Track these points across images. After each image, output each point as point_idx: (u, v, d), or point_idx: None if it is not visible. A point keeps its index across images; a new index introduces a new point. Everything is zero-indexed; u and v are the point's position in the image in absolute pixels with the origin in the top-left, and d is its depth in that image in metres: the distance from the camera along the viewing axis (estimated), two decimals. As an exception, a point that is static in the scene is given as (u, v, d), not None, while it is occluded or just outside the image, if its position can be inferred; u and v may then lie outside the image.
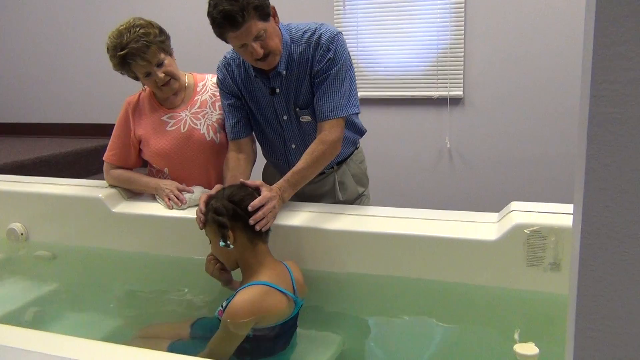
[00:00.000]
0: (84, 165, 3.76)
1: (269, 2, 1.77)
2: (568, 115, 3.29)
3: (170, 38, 2.09)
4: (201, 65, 2.46)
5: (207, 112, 2.17)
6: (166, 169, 2.16)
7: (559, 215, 1.63)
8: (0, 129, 4.69)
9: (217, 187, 1.69)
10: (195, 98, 2.19)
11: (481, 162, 3.58)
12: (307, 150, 1.85)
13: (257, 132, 2.09)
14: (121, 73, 2.06)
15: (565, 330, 0.57)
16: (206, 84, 2.22)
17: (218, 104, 2.19)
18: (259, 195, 1.62)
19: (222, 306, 1.50)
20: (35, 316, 1.81)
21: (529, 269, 1.63)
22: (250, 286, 1.46)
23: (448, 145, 3.60)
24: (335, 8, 3.68)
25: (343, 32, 3.73)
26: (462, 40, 3.46)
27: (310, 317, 1.63)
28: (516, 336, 1.31)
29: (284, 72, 1.88)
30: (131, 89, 2.26)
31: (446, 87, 3.53)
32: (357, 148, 2.17)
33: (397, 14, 3.53)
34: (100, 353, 1.14)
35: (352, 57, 1.98)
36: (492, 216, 1.79)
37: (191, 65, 2.40)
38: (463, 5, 3.42)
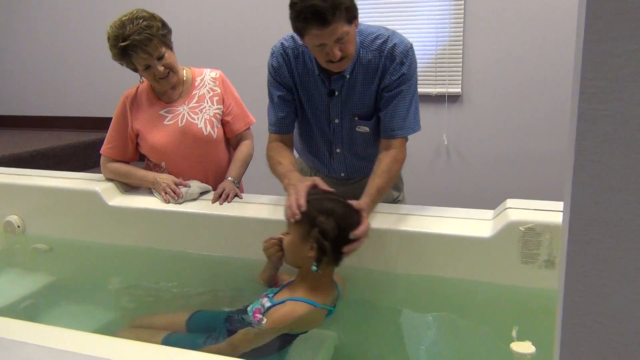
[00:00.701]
0: (81, 159, 3.76)
1: (356, 4, 1.66)
2: (565, 113, 3.29)
3: (171, 32, 2.09)
4: (198, 60, 2.46)
5: (204, 107, 2.17)
6: (163, 163, 2.17)
7: (554, 212, 1.64)
8: (-2, 121, 4.69)
9: (317, 181, 1.62)
10: (193, 92, 2.19)
11: (478, 160, 3.58)
12: (382, 167, 1.76)
13: (302, 127, 2.00)
14: (120, 63, 2.06)
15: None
16: (204, 79, 2.22)
17: (216, 98, 2.20)
18: (357, 214, 1.54)
19: (261, 306, 1.48)
20: (31, 308, 1.82)
21: (524, 266, 1.64)
22: (303, 302, 1.44)
23: (446, 143, 3.61)
24: (334, 4, 3.67)
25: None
26: (461, 38, 3.46)
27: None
28: (514, 334, 1.31)
29: (348, 76, 1.78)
30: (130, 82, 2.26)
31: (444, 84, 3.53)
32: None
33: (396, 10, 3.53)
34: (95, 345, 1.15)
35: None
36: (488, 213, 1.80)
37: (188, 59, 2.40)
38: (462, 2, 3.42)
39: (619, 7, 0.47)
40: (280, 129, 1.90)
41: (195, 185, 2.09)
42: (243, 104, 2.28)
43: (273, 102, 1.90)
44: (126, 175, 2.17)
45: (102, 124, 2.29)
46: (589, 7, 0.47)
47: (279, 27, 3.80)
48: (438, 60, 3.52)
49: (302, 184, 1.58)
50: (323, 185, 1.61)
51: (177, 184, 2.06)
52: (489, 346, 1.53)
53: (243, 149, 2.25)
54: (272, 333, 1.43)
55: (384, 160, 1.77)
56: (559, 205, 1.69)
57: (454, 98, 3.54)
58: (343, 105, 1.84)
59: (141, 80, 2.18)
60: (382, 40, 1.76)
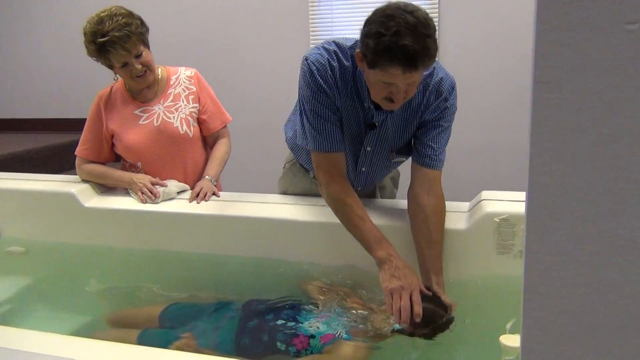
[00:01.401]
0: (57, 161, 3.72)
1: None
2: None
3: (149, 30, 2.07)
4: (172, 59, 2.44)
5: (180, 106, 2.16)
6: (139, 163, 2.15)
7: (527, 203, 1.66)
8: (-28, 125, 4.62)
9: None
10: (169, 91, 2.18)
11: (454, 153, 3.60)
12: (437, 225, 1.64)
13: None
14: (95, 60, 2.03)
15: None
16: (179, 77, 2.21)
17: (192, 97, 2.19)
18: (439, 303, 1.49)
19: (335, 332, 1.46)
20: (7, 312, 1.80)
21: (499, 257, 1.66)
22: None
23: (424, 137, 3.63)
24: None
25: (317, 23, 3.76)
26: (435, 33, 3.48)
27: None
28: (508, 326, 1.31)
29: (394, 110, 1.63)
30: (104, 83, 2.24)
31: (421, 79, 3.55)
32: None
33: (372, 4, 3.53)
34: (73, 348, 1.14)
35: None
36: (464, 206, 1.82)
37: (163, 58, 2.38)
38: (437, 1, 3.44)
39: (569, -3, 0.48)
40: (339, 144, 1.66)
41: (173, 185, 2.08)
42: (219, 102, 2.28)
43: (326, 120, 1.62)
44: (102, 176, 2.15)
45: (77, 125, 2.27)
46: (540, -3, 0.48)
47: (255, 25, 3.80)
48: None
49: (416, 282, 1.47)
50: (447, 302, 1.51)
51: (153, 184, 2.05)
52: (471, 338, 1.54)
53: (220, 148, 2.24)
54: None
55: (434, 222, 1.64)
56: (532, 195, 1.71)
57: (431, 92, 3.56)
58: (381, 139, 1.72)
59: (115, 79, 2.15)
60: (428, 72, 1.62)
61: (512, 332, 1.29)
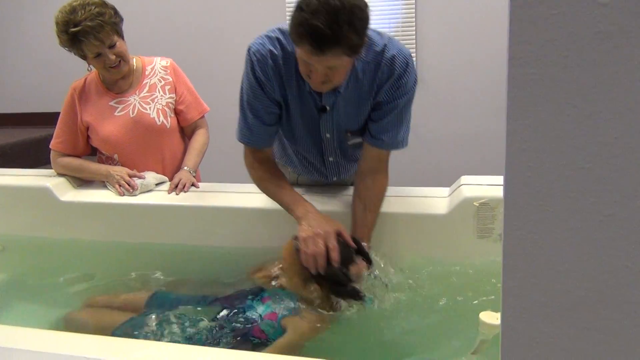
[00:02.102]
0: (33, 156, 3.66)
1: (366, 39, 1.42)
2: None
3: (123, 20, 2.03)
4: (147, 49, 2.40)
5: (156, 97, 2.13)
6: (116, 156, 2.12)
7: (506, 186, 1.67)
8: (-56, 121, 4.52)
9: (340, 227, 1.53)
10: (144, 82, 2.14)
11: (434, 139, 3.62)
12: (374, 201, 1.66)
13: (288, 137, 1.79)
14: (68, 50, 1.99)
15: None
16: (155, 67, 2.18)
17: (168, 87, 2.16)
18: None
19: (280, 311, 1.48)
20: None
21: (479, 241, 1.67)
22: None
23: (403, 124, 3.63)
24: (286, -11, 3.65)
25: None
26: (414, 20, 3.48)
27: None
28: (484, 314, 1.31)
29: (342, 91, 1.59)
30: (79, 75, 2.20)
31: (399, 66, 3.54)
32: None
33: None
34: (51, 342, 1.12)
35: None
36: (444, 191, 1.82)
37: (136, 48, 2.34)
38: (414, -17, 3.44)
39: (543, -29, 0.48)
40: (265, 141, 1.68)
41: (151, 177, 2.06)
42: (196, 93, 2.25)
43: (257, 116, 1.62)
44: (78, 170, 2.12)
45: (52, 119, 2.22)
46: (514, -29, 0.48)
47: (233, 13, 3.76)
48: (392, 43, 3.52)
49: (332, 230, 1.48)
50: (345, 233, 1.53)
51: (131, 176, 2.02)
52: (450, 322, 1.55)
53: (198, 138, 2.22)
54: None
55: (374, 190, 1.66)
56: (511, 179, 1.72)
57: (409, 80, 3.56)
58: (334, 121, 1.67)
59: (88, 69, 2.11)
60: (379, 49, 1.55)
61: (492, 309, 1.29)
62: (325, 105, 1.62)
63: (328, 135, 1.71)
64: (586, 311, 0.53)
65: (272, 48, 1.55)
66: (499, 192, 1.66)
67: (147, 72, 2.16)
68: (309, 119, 1.67)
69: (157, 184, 2.06)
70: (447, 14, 3.45)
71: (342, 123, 1.67)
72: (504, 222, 0.53)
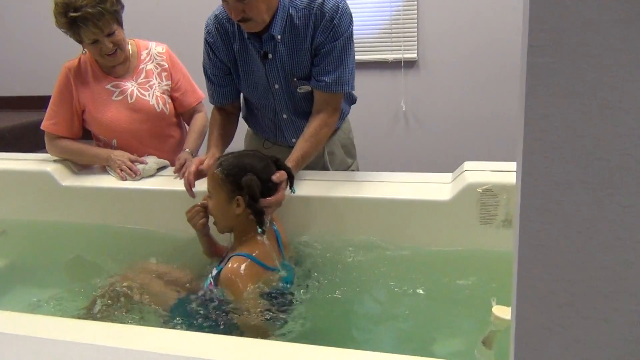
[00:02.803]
0: (32, 140, 3.63)
1: None
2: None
3: (124, 8, 2.00)
4: (143, 34, 2.36)
5: (153, 83, 2.12)
6: (114, 141, 2.10)
7: (510, 173, 1.66)
8: (-59, 104, 4.49)
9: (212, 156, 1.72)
10: (140, 67, 2.12)
11: (437, 124, 3.61)
12: (311, 131, 1.76)
13: (246, 100, 1.99)
14: (64, 32, 1.96)
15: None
16: (150, 52, 2.16)
17: (164, 74, 2.15)
18: (276, 166, 1.57)
19: (211, 277, 1.51)
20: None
21: (482, 227, 1.66)
22: (242, 256, 1.47)
23: (404, 109, 3.61)
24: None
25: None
26: (415, 2, 3.44)
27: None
28: (493, 300, 1.31)
29: (279, 37, 1.72)
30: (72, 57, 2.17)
31: (400, 50, 3.52)
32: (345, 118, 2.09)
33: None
34: (53, 328, 1.12)
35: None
36: (447, 177, 1.81)
37: (131, 31, 2.30)
38: (416, -34, 3.40)
39: (564, -44, 0.47)
40: (220, 99, 1.93)
41: (152, 162, 2.04)
42: (192, 79, 2.23)
43: (210, 81, 1.91)
44: (77, 153, 2.09)
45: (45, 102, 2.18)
46: (534, -43, 0.47)
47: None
48: (393, 26, 3.50)
49: (196, 160, 1.74)
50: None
51: (132, 161, 2.00)
52: (455, 307, 1.55)
53: (197, 121, 2.20)
54: (243, 297, 1.41)
55: (313, 124, 1.78)
56: (514, 165, 1.71)
57: (410, 64, 3.54)
58: (280, 69, 1.79)
59: (83, 52, 2.08)
60: None
61: (498, 304, 1.29)
62: (266, 51, 1.75)
63: (277, 86, 1.82)
64: (602, 302, 0.52)
65: (216, 13, 1.80)
66: (502, 178, 1.65)
67: (142, 57, 2.14)
68: (257, 71, 1.81)
69: (158, 169, 2.05)
70: (449, -3, 3.42)
71: (287, 70, 1.79)
72: (519, 213, 0.52)
